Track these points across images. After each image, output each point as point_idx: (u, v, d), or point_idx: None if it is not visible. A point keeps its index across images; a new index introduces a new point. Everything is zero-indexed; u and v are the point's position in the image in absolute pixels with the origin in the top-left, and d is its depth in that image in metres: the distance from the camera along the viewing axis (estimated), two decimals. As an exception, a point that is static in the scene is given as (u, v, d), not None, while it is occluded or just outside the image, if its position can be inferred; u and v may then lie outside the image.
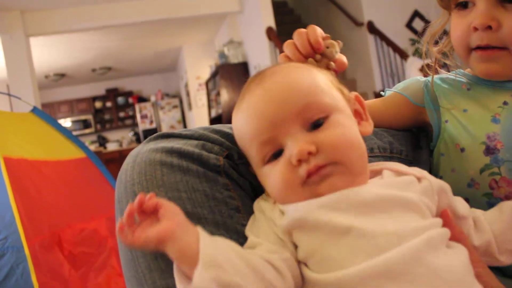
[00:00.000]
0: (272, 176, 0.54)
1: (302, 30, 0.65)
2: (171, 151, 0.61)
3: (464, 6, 0.70)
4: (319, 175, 0.51)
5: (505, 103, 0.70)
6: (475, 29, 0.67)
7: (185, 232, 0.47)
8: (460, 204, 0.59)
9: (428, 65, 0.80)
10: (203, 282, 0.44)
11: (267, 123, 0.53)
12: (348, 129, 0.54)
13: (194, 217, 0.57)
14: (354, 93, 0.61)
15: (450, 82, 0.78)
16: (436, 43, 0.79)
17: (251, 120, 0.55)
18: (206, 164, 0.61)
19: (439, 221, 0.53)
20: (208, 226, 0.57)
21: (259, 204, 0.58)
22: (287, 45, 0.66)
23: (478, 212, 0.62)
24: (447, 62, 0.80)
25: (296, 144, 0.51)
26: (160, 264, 0.55)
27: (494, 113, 0.70)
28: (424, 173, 0.57)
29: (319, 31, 0.65)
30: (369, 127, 0.60)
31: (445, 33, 0.78)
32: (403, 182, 0.54)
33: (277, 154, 0.54)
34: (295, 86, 0.54)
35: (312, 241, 0.50)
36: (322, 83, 0.56)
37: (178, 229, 0.46)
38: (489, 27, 0.65)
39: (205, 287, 0.44)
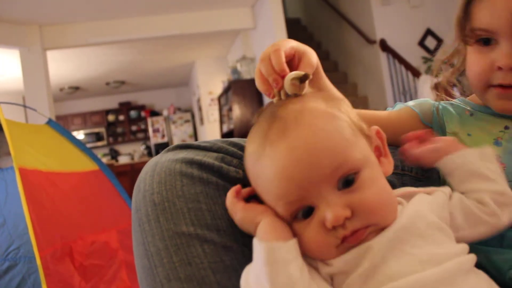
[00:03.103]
0: (304, 237, 0.52)
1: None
2: (191, 162, 0.61)
3: (485, 42, 0.68)
4: (356, 238, 0.50)
5: (506, 127, 0.72)
6: (500, 68, 0.66)
7: None
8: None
9: (437, 84, 0.81)
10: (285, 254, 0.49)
11: (294, 186, 0.50)
12: (380, 187, 0.53)
13: (214, 228, 0.57)
14: (375, 128, 0.59)
15: (455, 108, 0.79)
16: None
17: (277, 182, 0.51)
18: (226, 177, 0.61)
19: (466, 247, 0.54)
20: (227, 238, 0.58)
21: None
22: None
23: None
24: (452, 91, 0.81)
25: (330, 208, 0.49)
26: (179, 273, 0.54)
27: (496, 137, 0.71)
28: (432, 188, 0.59)
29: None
30: (388, 165, 0.58)
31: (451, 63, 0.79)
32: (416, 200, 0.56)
33: (306, 212, 0.51)
34: (324, 145, 0.50)
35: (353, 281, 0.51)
36: (347, 133, 0.52)
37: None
38: None
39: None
